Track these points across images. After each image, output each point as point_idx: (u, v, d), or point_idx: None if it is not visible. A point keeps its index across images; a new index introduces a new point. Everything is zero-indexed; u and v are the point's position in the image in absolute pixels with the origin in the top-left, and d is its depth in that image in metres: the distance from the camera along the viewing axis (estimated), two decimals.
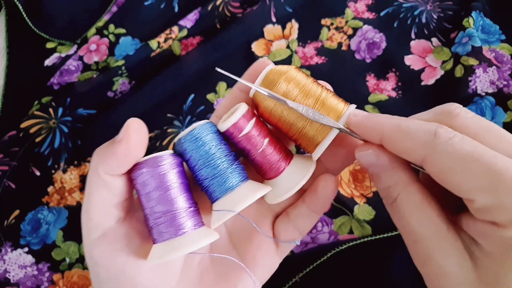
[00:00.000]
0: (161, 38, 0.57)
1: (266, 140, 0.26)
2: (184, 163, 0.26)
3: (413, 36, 0.56)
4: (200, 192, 0.26)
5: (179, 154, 0.25)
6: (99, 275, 0.24)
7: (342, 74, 0.54)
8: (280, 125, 0.26)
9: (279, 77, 0.25)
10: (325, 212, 0.44)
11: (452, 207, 0.24)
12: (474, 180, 0.20)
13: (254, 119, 0.25)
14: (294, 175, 0.26)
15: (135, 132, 0.23)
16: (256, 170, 0.27)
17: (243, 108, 0.25)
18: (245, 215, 0.28)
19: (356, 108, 0.25)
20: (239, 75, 0.59)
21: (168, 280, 0.26)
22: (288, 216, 0.29)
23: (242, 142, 0.25)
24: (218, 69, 0.26)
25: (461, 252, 0.21)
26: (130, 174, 0.24)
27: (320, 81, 0.27)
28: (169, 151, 0.25)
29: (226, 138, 0.26)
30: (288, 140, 0.29)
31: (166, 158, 0.24)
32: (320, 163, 0.29)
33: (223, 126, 0.25)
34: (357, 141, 0.26)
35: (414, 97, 0.52)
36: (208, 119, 0.52)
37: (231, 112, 0.26)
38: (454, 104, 0.24)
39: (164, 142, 0.50)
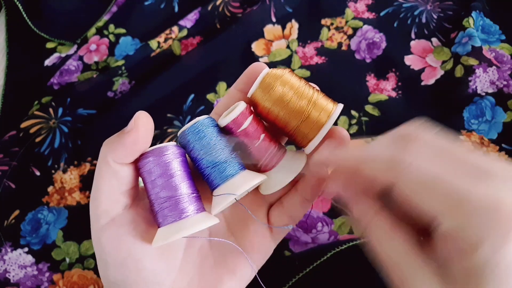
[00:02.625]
0: (161, 38, 0.57)
1: (262, 135, 0.28)
2: (187, 155, 0.28)
3: (413, 36, 0.56)
4: (201, 183, 0.27)
5: (183, 146, 0.27)
6: (107, 260, 0.25)
7: (342, 74, 0.54)
8: (277, 122, 0.28)
9: (275, 80, 0.27)
10: (325, 212, 0.44)
11: (423, 229, 0.23)
12: (437, 204, 0.20)
13: (251, 116, 0.28)
14: (287, 168, 0.29)
15: (143, 124, 0.25)
16: (252, 164, 0.29)
17: (242, 105, 0.28)
18: (240, 206, 0.30)
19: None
20: (239, 75, 0.59)
21: (171, 264, 0.27)
22: (282, 205, 0.31)
23: (240, 137, 0.28)
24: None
25: (431, 276, 0.21)
26: (137, 163, 0.26)
27: (310, 83, 0.29)
28: (173, 143, 0.27)
29: (226, 132, 0.28)
30: (283, 137, 0.32)
31: (170, 148, 0.26)
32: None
33: (224, 121, 0.27)
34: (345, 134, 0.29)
35: (414, 97, 0.52)
36: None
37: (230, 110, 0.28)
38: (411, 127, 0.24)
39: (164, 142, 0.50)
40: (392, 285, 0.23)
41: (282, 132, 0.29)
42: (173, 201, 0.25)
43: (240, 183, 0.26)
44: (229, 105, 0.29)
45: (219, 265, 0.29)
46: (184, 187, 0.26)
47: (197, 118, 0.27)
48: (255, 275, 0.30)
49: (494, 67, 0.50)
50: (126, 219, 0.26)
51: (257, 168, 0.29)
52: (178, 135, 0.27)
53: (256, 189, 0.31)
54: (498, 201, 0.19)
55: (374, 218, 0.23)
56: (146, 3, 0.62)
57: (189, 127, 0.27)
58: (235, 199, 0.26)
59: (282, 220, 0.31)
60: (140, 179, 0.27)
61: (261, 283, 0.30)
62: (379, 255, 0.23)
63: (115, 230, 0.25)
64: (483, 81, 0.50)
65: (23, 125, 0.52)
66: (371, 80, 0.53)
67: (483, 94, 0.49)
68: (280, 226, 0.31)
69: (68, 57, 0.58)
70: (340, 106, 0.28)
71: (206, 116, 0.27)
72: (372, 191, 0.24)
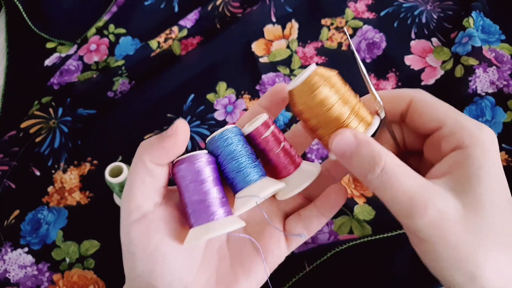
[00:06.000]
0: (161, 38, 0.57)
1: (282, 144, 0.30)
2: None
3: (413, 36, 0.56)
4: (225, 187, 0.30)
5: (211, 152, 0.29)
6: (135, 254, 0.27)
7: (342, 74, 0.54)
8: (309, 123, 0.28)
9: (323, 81, 0.27)
10: None
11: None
12: (443, 110, 0.27)
13: (273, 126, 0.30)
14: (303, 176, 0.30)
15: (182, 131, 0.27)
16: (270, 170, 0.31)
17: (264, 116, 0.30)
18: (258, 212, 0.32)
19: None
20: (239, 75, 0.59)
21: (193, 262, 0.29)
22: (299, 216, 0.33)
23: (262, 144, 0.30)
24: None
25: (445, 191, 0.25)
26: (172, 168, 0.28)
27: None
28: (205, 151, 0.29)
29: (249, 140, 0.30)
30: (301, 148, 0.34)
31: (203, 156, 0.28)
32: (325, 170, 0.33)
33: (247, 130, 0.30)
34: None
35: None
36: (208, 119, 0.52)
37: (254, 120, 0.30)
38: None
39: None
40: (411, 216, 0.25)
41: (311, 131, 0.29)
42: (205, 204, 0.28)
43: (261, 188, 0.28)
44: (251, 119, 0.31)
45: (235, 266, 0.31)
46: (214, 192, 0.28)
47: (226, 127, 0.29)
48: (267, 280, 0.32)
49: (494, 67, 0.50)
50: (157, 215, 0.27)
51: (275, 175, 0.31)
52: (206, 141, 0.30)
53: (272, 197, 0.32)
54: (482, 124, 0.26)
55: (389, 155, 0.25)
56: (146, 3, 0.62)
57: (218, 134, 0.29)
58: (256, 202, 0.28)
59: (297, 230, 0.32)
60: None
61: (271, 286, 0.31)
62: (399, 188, 0.25)
63: (145, 225, 0.27)
64: (483, 81, 0.50)
65: (23, 125, 0.52)
66: (371, 80, 0.53)
67: (483, 94, 0.49)
68: (294, 234, 0.33)
69: (68, 57, 0.58)
70: (378, 119, 0.28)
71: (233, 125, 0.30)
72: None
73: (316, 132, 0.28)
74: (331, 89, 0.27)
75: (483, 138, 0.25)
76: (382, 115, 0.29)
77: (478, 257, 0.24)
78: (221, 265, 0.31)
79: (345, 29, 0.26)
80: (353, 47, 0.30)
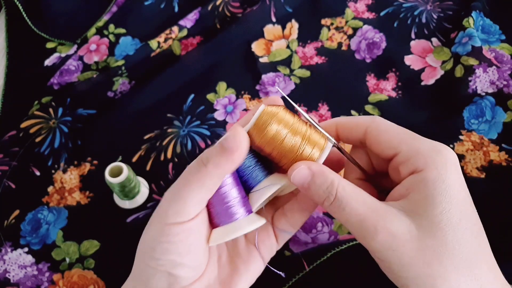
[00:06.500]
0: (161, 38, 0.57)
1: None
2: None
3: (413, 36, 0.56)
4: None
5: None
6: (168, 250, 0.27)
7: (342, 74, 0.54)
8: (271, 158, 0.30)
9: (271, 118, 0.29)
10: (325, 212, 0.44)
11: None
12: (398, 137, 0.29)
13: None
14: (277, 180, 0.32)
15: (245, 142, 0.28)
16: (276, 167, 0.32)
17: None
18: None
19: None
20: (239, 75, 0.59)
21: (205, 256, 0.30)
22: (283, 210, 0.34)
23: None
24: (278, 88, 0.32)
25: (399, 214, 0.26)
26: None
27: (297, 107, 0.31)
28: None
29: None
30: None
31: None
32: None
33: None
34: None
35: (414, 97, 0.52)
36: (208, 119, 0.52)
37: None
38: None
39: (164, 142, 0.50)
40: (364, 238, 0.26)
41: (276, 166, 0.31)
42: (227, 205, 0.29)
43: (272, 182, 0.30)
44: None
45: (234, 258, 0.32)
46: (234, 193, 0.29)
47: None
48: (267, 275, 0.33)
49: (494, 67, 0.50)
50: (200, 218, 0.28)
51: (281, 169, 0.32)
52: None
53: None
54: (439, 146, 0.27)
55: (341, 182, 0.27)
56: (146, 3, 0.62)
57: None
58: (267, 195, 0.30)
59: (280, 224, 0.34)
60: None
61: (272, 269, 0.33)
62: (351, 212, 0.27)
63: (190, 228, 0.28)
64: (483, 81, 0.50)
65: (23, 125, 0.52)
66: (371, 80, 0.53)
67: (483, 94, 0.49)
68: (281, 228, 0.34)
69: (68, 57, 0.58)
70: (330, 144, 0.30)
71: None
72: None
73: (279, 164, 0.30)
74: (279, 124, 0.29)
75: (438, 161, 0.26)
76: (329, 147, 0.30)
77: (435, 277, 0.25)
78: (221, 259, 0.32)
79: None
80: (293, 103, 0.31)
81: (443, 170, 0.26)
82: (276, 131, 0.29)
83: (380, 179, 0.33)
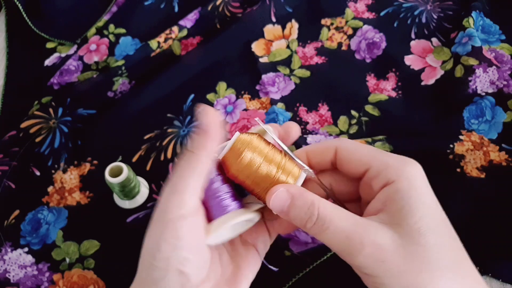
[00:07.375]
0: (161, 38, 0.57)
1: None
2: None
3: (413, 36, 0.56)
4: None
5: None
6: (175, 245, 0.27)
7: (342, 74, 0.54)
8: (245, 186, 0.30)
9: (245, 146, 0.29)
10: None
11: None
12: (368, 155, 0.30)
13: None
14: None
15: (214, 120, 0.28)
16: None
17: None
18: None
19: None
20: (239, 75, 0.59)
21: (208, 254, 0.30)
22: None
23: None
24: (257, 119, 0.32)
25: (380, 226, 0.27)
26: None
27: (267, 127, 0.31)
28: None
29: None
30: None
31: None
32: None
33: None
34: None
35: (414, 97, 0.52)
36: None
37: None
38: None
39: (164, 142, 0.50)
40: (349, 254, 0.27)
41: (251, 193, 0.31)
42: (219, 199, 0.30)
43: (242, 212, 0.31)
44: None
45: (234, 257, 0.33)
46: (225, 188, 0.30)
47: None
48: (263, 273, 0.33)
49: (494, 67, 0.50)
50: (200, 211, 0.29)
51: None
52: None
53: None
54: (406, 158, 0.29)
55: (322, 201, 0.28)
56: (146, 3, 0.62)
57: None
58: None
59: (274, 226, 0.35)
60: None
61: (269, 266, 0.35)
62: (335, 230, 0.27)
63: (191, 220, 0.28)
64: (483, 81, 0.50)
65: (23, 125, 0.52)
66: (371, 80, 0.53)
67: (483, 94, 0.49)
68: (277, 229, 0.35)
69: (68, 57, 0.58)
70: (304, 174, 0.31)
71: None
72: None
73: (253, 192, 0.30)
74: (254, 152, 0.29)
75: (407, 171, 0.28)
76: (303, 177, 0.30)
77: (423, 284, 0.25)
78: (222, 257, 0.33)
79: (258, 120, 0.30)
80: (273, 136, 0.31)
81: (413, 179, 0.27)
82: (250, 158, 0.29)
83: (346, 205, 0.33)
